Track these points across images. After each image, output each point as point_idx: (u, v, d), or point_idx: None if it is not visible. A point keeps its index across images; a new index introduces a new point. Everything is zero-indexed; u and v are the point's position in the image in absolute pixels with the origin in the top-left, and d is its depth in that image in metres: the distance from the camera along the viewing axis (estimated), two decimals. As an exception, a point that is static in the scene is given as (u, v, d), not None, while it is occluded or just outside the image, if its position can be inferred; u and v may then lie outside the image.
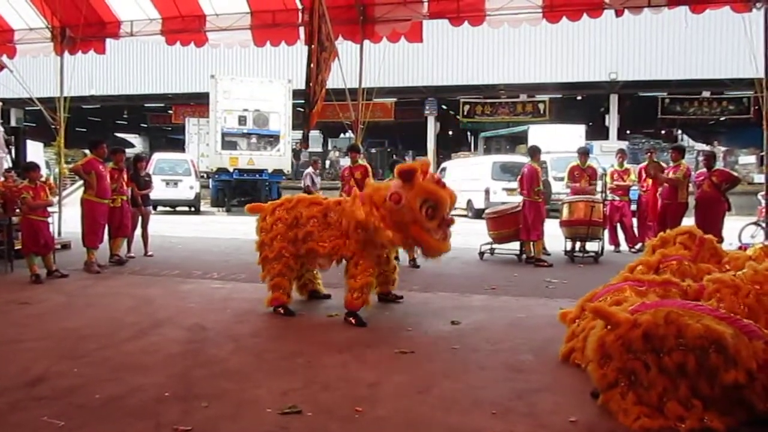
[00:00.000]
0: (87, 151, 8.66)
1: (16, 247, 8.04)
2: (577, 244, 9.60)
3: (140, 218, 9.68)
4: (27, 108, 27.50)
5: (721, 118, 27.01)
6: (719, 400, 3.08)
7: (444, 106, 29.51)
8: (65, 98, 11.38)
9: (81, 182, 8.63)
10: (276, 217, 5.71)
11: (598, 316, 3.52)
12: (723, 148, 24.56)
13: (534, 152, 9.62)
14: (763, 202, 11.78)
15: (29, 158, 9.81)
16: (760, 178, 17.14)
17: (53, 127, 11.36)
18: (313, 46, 8.35)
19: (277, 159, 20.86)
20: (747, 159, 23.38)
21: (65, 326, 5.21)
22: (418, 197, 5.01)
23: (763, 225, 10.79)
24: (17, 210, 7.79)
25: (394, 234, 5.10)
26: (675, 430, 3.04)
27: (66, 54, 11.62)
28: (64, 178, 13.20)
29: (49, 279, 7.44)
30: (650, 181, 10.26)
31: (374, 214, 5.12)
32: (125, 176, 9.06)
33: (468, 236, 10.39)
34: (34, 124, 26.64)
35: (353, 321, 5.31)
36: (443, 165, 21.68)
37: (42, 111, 11.33)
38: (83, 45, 11.56)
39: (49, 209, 7.94)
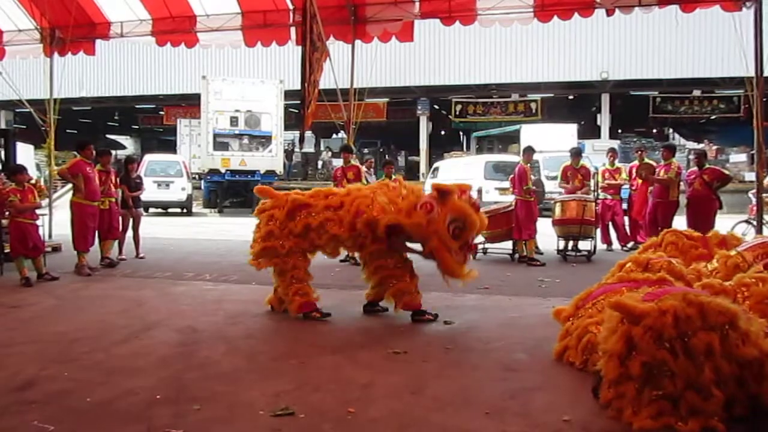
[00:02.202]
0: (76, 153, 8.60)
1: (5, 250, 7.98)
2: (570, 243, 9.62)
3: (131, 220, 9.62)
4: (17, 110, 27.39)
5: (712, 117, 27.17)
6: (731, 383, 3.01)
7: (436, 106, 29.53)
8: (55, 100, 11.33)
9: (70, 185, 8.57)
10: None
11: (619, 311, 3.32)
12: (714, 147, 24.69)
13: (524, 151, 9.66)
14: (754, 200, 11.83)
15: (19, 161, 9.73)
16: (751, 176, 17.21)
17: (43, 129, 11.29)
18: (306, 47, 8.34)
19: (269, 160, 20.80)
20: (738, 157, 23.52)
21: (56, 330, 5.17)
22: (450, 213, 4.99)
23: (754, 223, 10.84)
24: (6, 213, 7.72)
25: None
26: (676, 430, 2.95)
27: (56, 55, 11.56)
28: (55, 180, 13.11)
29: (40, 282, 7.37)
30: (640, 179, 10.29)
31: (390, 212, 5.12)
32: (113, 178, 8.99)
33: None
34: (24, 126, 26.45)
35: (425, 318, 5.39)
36: (436, 165, 21.64)
37: (32, 113, 11.25)
38: (73, 46, 11.49)
39: (39, 212, 7.88)
